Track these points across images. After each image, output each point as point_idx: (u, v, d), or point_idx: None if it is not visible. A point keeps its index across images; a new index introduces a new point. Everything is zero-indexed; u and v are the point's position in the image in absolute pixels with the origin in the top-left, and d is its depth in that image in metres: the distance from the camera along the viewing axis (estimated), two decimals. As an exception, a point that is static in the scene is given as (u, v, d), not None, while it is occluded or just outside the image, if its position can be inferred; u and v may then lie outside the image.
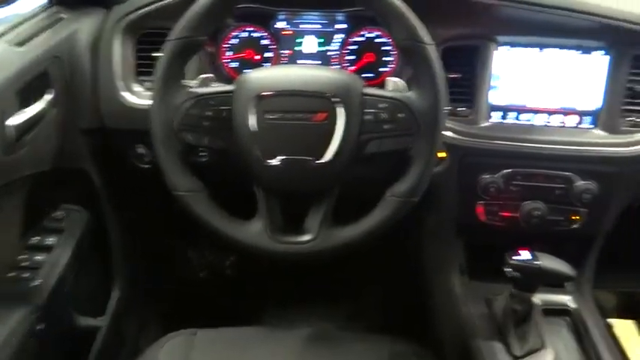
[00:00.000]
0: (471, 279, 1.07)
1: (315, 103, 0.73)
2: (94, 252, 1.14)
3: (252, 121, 0.73)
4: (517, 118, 0.97)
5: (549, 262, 0.87)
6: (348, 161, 0.75)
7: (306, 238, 0.77)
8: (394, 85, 0.79)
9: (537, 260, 0.86)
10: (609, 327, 1.34)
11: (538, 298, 0.99)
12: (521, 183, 0.97)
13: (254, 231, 0.78)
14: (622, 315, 1.39)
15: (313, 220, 0.78)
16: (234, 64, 1.02)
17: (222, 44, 1.02)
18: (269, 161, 0.74)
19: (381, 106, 0.74)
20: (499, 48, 0.95)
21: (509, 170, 0.96)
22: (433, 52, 0.73)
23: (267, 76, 0.76)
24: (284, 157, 0.74)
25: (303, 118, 0.73)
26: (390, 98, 0.74)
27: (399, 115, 0.74)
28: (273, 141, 0.74)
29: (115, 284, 1.19)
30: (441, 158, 0.96)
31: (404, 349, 0.92)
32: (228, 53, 1.02)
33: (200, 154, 0.94)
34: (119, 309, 1.18)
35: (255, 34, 1.01)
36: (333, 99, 0.72)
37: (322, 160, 0.73)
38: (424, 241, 1.14)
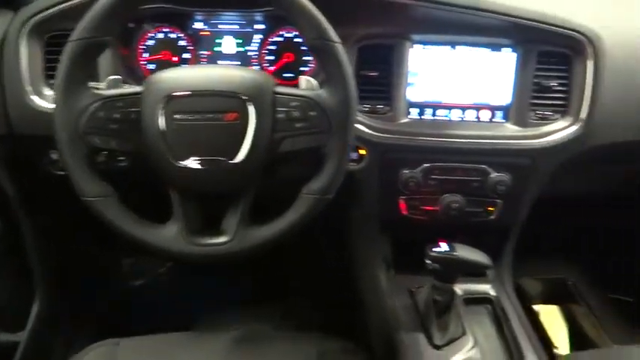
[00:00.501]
0: (396, 273, 1.09)
1: (225, 102, 0.72)
2: (11, 263, 1.09)
3: (161, 122, 0.72)
4: (434, 114, 1.00)
5: (466, 253, 0.90)
6: (262, 160, 0.75)
7: (222, 239, 0.77)
8: (307, 83, 0.80)
9: (455, 251, 0.89)
10: (534, 313, 1.41)
11: (460, 288, 1.03)
12: (439, 177, 1.00)
13: (169, 234, 0.76)
14: (547, 301, 1.46)
15: (230, 221, 0.77)
16: (151, 66, 1.00)
17: (137, 46, 1.00)
18: (181, 163, 0.73)
19: (292, 104, 0.74)
20: (414, 46, 0.97)
21: (428, 165, 0.99)
22: (342, 51, 0.74)
23: (176, 76, 0.75)
24: (196, 158, 0.73)
25: (214, 118, 0.72)
26: (302, 96, 0.75)
27: (311, 113, 0.74)
28: (185, 142, 0.73)
29: (36, 297, 1.15)
30: (362, 155, 0.98)
31: (332, 346, 0.93)
32: (144, 55, 1.00)
33: (119, 158, 0.91)
34: (41, 323, 1.13)
35: (171, 35, 1.00)
36: (243, 98, 0.72)
37: (235, 160, 0.73)
38: (350, 237, 1.15)
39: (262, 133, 0.73)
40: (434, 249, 0.90)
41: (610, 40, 0.96)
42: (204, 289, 1.53)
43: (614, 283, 1.54)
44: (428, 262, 0.90)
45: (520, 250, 1.39)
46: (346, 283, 1.17)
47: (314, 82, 0.80)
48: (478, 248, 0.92)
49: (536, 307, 1.43)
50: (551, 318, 1.41)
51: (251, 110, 0.72)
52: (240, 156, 0.73)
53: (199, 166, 0.73)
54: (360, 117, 0.96)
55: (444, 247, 0.90)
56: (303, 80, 0.81)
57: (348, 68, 0.74)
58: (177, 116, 0.72)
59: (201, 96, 0.72)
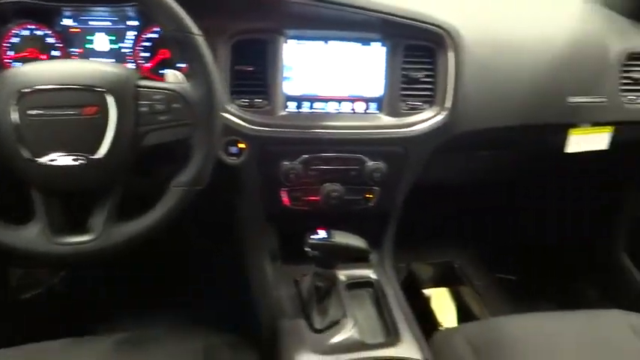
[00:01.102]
0: (283, 263, 1.12)
1: (83, 96, 0.71)
2: None
3: (15, 118, 0.69)
4: (311, 107, 1.03)
5: (344, 239, 0.93)
6: (127, 155, 0.74)
7: (88, 237, 0.75)
8: (173, 77, 0.80)
9: (333, 238, 0.92)
10: (424, 297, 1.49)
11: (343, 274, 1.07)
12: (318, 167, 1.03)
13: (30, 235, 0.74)
14: (437, 284, 1.55)
15: (96, 219, 0.76)
16: (17, 64, 0.96)
17: (2, 43, 0.95)
18: (40, 160, 0.71)
19: (156, 97, 0.74)
20: (288, 41, 1.00)
21: (307, 156, 1.02)
22: (202, 43, 0.75)
23: (31, 71, 0.72)
24: (56, 155, 0.71)
25: (73, 112, 0.71)
26: (164, 89, 0.75)
27: (175, 105, 0.75)
28: (43, 138, 0.71)
29: None
30: (242, 149, 0.99)
31: (218, 341, 0.93)
32: (9, 53, 0.96)
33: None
34: None
35: (37, 32, 0.96)
36: (100, 91, 0.71)
37: (97, 156, 0.72)
38: (237, 230, 1.16)
39: (124, 126, 0.73)
40: (312, 237, 0.93)
41: (470, 37, 1.03)
42: (99, 295, 1.48)
43: (498, 264, 1.66)
44: (307, 249, 0.93)
45: (410, 236, 1.47)
46: (235, 276, 1.18)
47: (180, 75, 0.80)
48: (360, 235, 0.96)
49: (427, 292, 1.51)
50: (441, 300, 1.50)
51: (111, 103, 0.71)
52: (102, 151, 0.72)
53: (59, 163, 0.71)
54: (237, 111, 0.98)
55: (322, 234, 0.93)
56: (170, 74, 0.81)
57: (210, 60, 0.75)
58: (32, 112, 0.70)
59: (57, 90, 0.71)
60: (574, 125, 1.17)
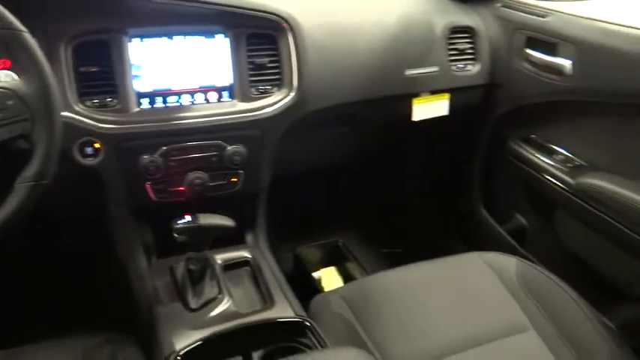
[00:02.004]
0: (160, 256, 1.14)
1: None
2: None
3: None
4: (165, 102, 1.06)
5: (208, 219, 0.97)
6: None
7: None
8: (4, 76, 0.80)
9: (197, 220, 0.96)
10: (313, 279, 1.55)
11: (220, 257, 1.11)
12: (179, 157, 1.06)
13: None
14: (325, 265, 1.62)
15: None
16: None
17: None
18: None
19: None
20: (132, 40, 1.03)
21: (166, 147, 1.05)
22: (29, 39, 0.76)
23: None
24: None
25: None
26: None
27: (9, 102, 0.75)
28: None
29: None
30: (97, 149, 1.00)
31: (96, 340, 0.93)
32: None
33: None
34: None
35: None
36: None
37: None
38: (111, 228, 1.16)
39: None
40: (178, 222, 0.96)
41: (309, 23, 1.12)
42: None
43: (384, 239, 1.77)
44: (175, 235, 0.96)
45: (294, 222, 1.53)
46: (117, 274, 1.17)
47: (12, 74, 0.81)
48: (234, 218, 1.01)
49: (316, 274, 1.58)
50: (330, 278, 1.57)
51: None
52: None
53: None
54: (88, 112, 0.99)
55: (187, 218, 0.97)
56: (1, 74, 0.81)
57: (39, 53, 0.76)
58: None
59: None
60: (416, 95, 1.30)
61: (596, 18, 1.16)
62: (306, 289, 1.15)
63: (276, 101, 1.11)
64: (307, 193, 1.62)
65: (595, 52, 1.13)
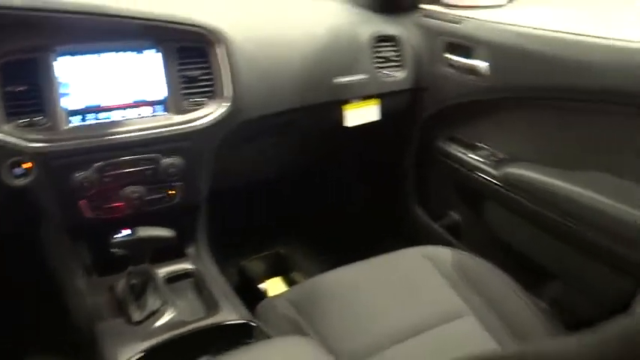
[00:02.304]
0: (100, 274, 1.12)
1: None
2: None
3: None
4: (97, 118, 1.06)
5: (147, 231, 0.97)
6: None
7: None
8: None
9: (136, 233, 0.96)
10: (260, 291, 1.56)
11: (163, 270, 1.10)
12: (113, 172, 1.05)
13: None
14: (270, 276, 1.63)
15: None
16: None
17: None
18: None
19: None
20: (59, 58, 1.02)
21: (100, 163, 1.04)
22: None
23: None
24: None
25: None
26: None
27: None
28: None
29: None
30: (28, 169, 0.98)
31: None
32: None
33: None
34: None
35: None
36: None
37: None
38: (47, 248, 1.14)
39: None
40: (116, 236, 0.95)
41: (239, 35, 1.15)
42: None
43: (326, 246, 1.80)
44: (114, 250, 0.95)
45: (237, 233, 1.54)
46: (54, 293, 1.14)
47: None
48: (178, 232, 1.01)
49: (262, 285, 1.58)
50: (276, 289, 1.58)
51: None
52: None
53: None
54: (16, 132, 0.97)
55: (125, 232, 0.96)
56: None
57: None
58: None
59: None
60: (346, 101, 1.35)
61: (508, 22, 1.26)
62: (252, 300, 1.16)
63: (209, 112, 1.12)
64: (248, 205, 1.63)
65: (508, 53, 1.23)
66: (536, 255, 1.27)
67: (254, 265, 1.61)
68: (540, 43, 1.16)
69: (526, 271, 1.21)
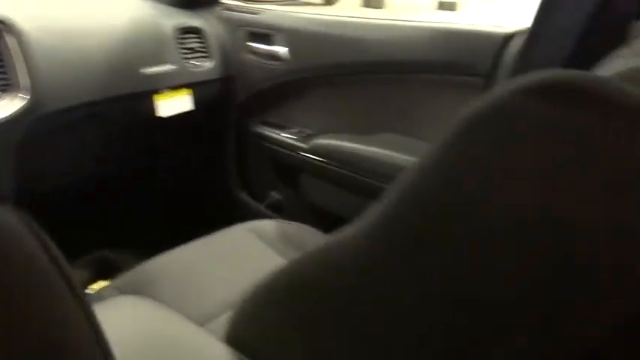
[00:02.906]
0: None
1: None
2: None
3: None
4: None
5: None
6: None
7: None
8: None
9: None
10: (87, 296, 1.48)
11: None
12: None
13: None
14: (98, 279, 1.56)
15: None
16: None
17: None
18: None
19: None
20: None
21: None
22: None
23: None
24: None
25: None
26: None
27: None
28: None
29: None
30: None
31: None
32: None
33: None
34: None
35: None
36: None
37: None
38: None
39: None
40: None
41: (34, 26, 1.10)
42: None
43: (154, 241, 1.76)
44: None
45: (58, 235, 1.44)
46: None
47: None
48: None
49: (91, 288, 1.51)
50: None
51: None
52: None
53: None
54: None
55: None
56: None
57: None
58: None
59: None
60: (157, 92, 1.37)
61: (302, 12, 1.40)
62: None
63: (3, 107, 1.06)
64: (67, 207, 1.54)
65: (304, 38, 1.36)
66: (347, 212, 1.41)
67: (78, 270, 1.52)
68: (328, 26, 1.32)
69: (340, 228, 1.35)
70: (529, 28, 0.91)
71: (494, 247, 0.43)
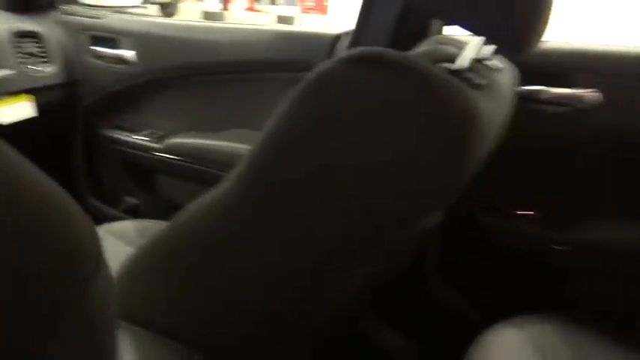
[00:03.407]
0: None
1: None
2: None
3: None
4: None
5: None
6: None
7: None
8: None
9: None
10: None
11: None
12: None
13: None
14: None
15: None
16: None
17: None
18: None
19: None
20: None
21: None
22: None
23: None
24: None
25: None
26: None
27: None
28: None
29: None
30: None
31: None
32: None
33: None
34: None
35: None
36: None
37: None
38: None
39: None
40: None
41: None
42: None
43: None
44: None
45: None
46: None
47: None
48: None
49: None
50: None
51: None
52: None
53: None
54: None
55: None
56: None
57: None
58: None
59: None
60: (-6, 99, 1.31)
61: (150, 15, 1.44)
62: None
63: None
64: None
65: (151, 41, 1.40)
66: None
67: None
68: (175, 30, 1.38)
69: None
70: (353, 30, 1.08)
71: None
